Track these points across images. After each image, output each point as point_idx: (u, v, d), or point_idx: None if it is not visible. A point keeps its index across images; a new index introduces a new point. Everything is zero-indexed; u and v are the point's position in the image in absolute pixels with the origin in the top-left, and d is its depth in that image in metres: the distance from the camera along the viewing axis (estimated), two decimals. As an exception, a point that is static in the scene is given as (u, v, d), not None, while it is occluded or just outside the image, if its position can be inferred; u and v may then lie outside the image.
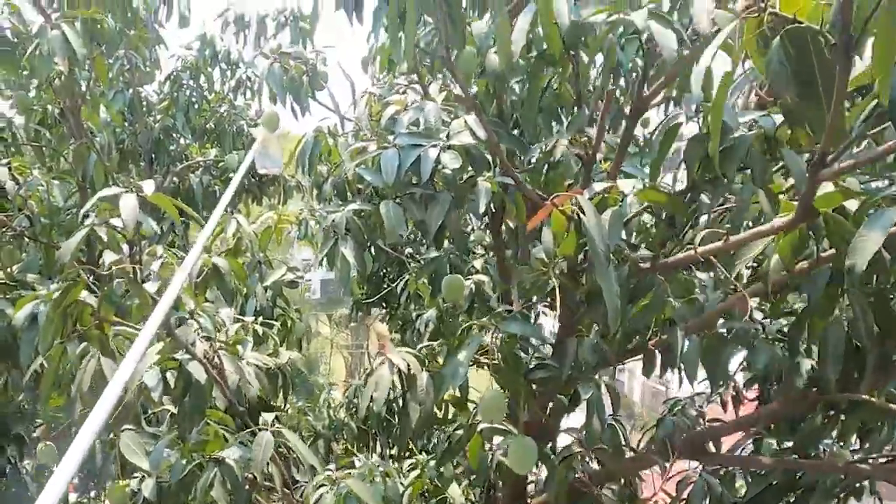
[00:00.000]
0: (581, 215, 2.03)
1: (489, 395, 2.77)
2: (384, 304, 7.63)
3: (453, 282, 3.80)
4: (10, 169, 4.20)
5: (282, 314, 5.37)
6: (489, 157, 2.88)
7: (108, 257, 2.46)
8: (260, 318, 4.78)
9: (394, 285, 6.67)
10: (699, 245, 2.15)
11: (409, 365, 3.22)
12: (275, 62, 4.65)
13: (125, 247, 2.93)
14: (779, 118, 2.29)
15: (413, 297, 6.68)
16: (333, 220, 3.32)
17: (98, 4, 4.60)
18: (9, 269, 4.10)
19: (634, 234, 3.21)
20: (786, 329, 2.88)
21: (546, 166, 2.96)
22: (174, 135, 6.69)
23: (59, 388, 2.91)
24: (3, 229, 4.17)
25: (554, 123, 3.28)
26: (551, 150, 2.72)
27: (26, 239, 4.51)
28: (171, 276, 3.10)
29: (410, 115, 3.20)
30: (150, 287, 2.77)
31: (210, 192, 7.02)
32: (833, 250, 2.11)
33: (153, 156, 6.65)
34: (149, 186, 2.40)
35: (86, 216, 2.47)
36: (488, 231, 4.63)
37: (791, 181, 2.51)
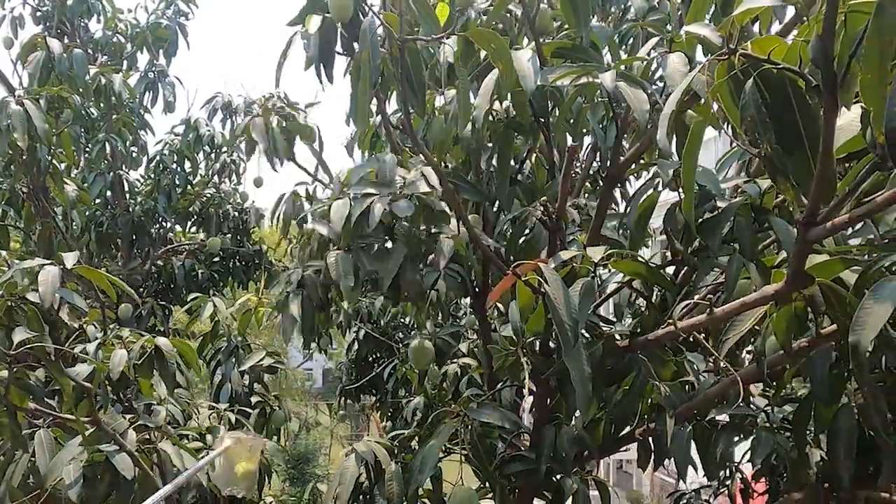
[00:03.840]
0: (545, 286, 1.80)
1: (459, 493, 2.45)
2: (374, 391, 7.36)
3: (418, 347, 3.54)
4: (-28, 249, 4.04)
5: (260, 401, 5.09)
6: (446, 210, 2.67)
7: (18, 336, 2.19)
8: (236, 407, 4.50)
9: (380, 369, 6.42)
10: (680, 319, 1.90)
11: (375, 456, 2.92)
12: (259, 115, 4.49)
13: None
14: (766, 184, 2.09)
15: (402, 382, 6.43)
16: (289, 277, 3.11)
17: (75, 88, 4.55)
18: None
19: (628, 314, 2.97)
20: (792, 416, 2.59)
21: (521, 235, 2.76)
22: (157, 218, 6.57)
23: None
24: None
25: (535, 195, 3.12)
26: (524, 217, 2.52)
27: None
28: (111, 357, 2.83)
29: (367, 165, 3.02)
30: (83, 369, 2.51)
31: (192, 276, 6.85)
32: (834, 326, 1.86)
33: (133, 238, 6.51)
34: (71, 258, 2.18)
35: None
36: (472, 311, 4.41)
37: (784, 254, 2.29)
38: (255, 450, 2.48)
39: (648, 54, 2.25)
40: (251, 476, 2.44)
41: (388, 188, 2.40)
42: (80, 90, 4.26)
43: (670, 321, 1.82)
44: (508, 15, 3.03)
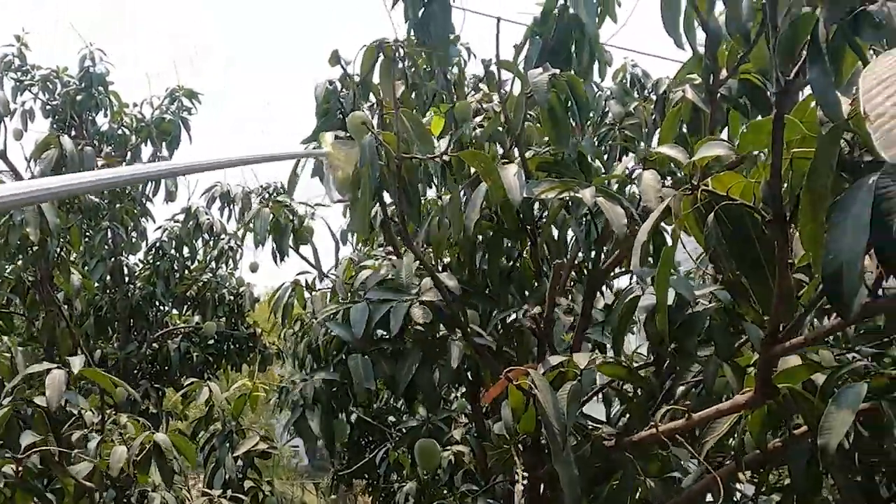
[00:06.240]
0: (535, 391, 1.93)
1: (423, 444, 2.52)
2: (366, 475, 7.29)
3: (426, 448, 3.60)
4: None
5: (253, 487, 5.08)
6: (459, 316, 2.83)
7: (26, 439, 2.30)
8: (229, 492, 4.50)
9: (372, 455, 6.39)
10: (663, 423, 2.03)
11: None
12: (265, 206, 4.68)
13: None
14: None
15: (394, 466, 6.39)
16: (302, 390, 3.21)
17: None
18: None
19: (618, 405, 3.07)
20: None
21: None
22: (154, 302, 6.69)
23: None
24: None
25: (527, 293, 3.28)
26: (512, 321, 2.67)
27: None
28: (111, 454, 2.91)
29: (383, 271, 3.19)
30: (83, 467, 2.59)
31: (187, 359, 6.91)
32: (805, 428, 1.99)
33: (131, 322, 6.61)
34: (78, 362, 2.30)
35: (9, 394, 2.35)
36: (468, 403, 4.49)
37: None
38: (353, 157, 2.52)
39: (625, 171, 2.46)
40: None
41: (404, 294, 2.56)
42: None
43: (653, 424, 1.95)
44: (500, 129, 3.27)
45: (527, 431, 2.21)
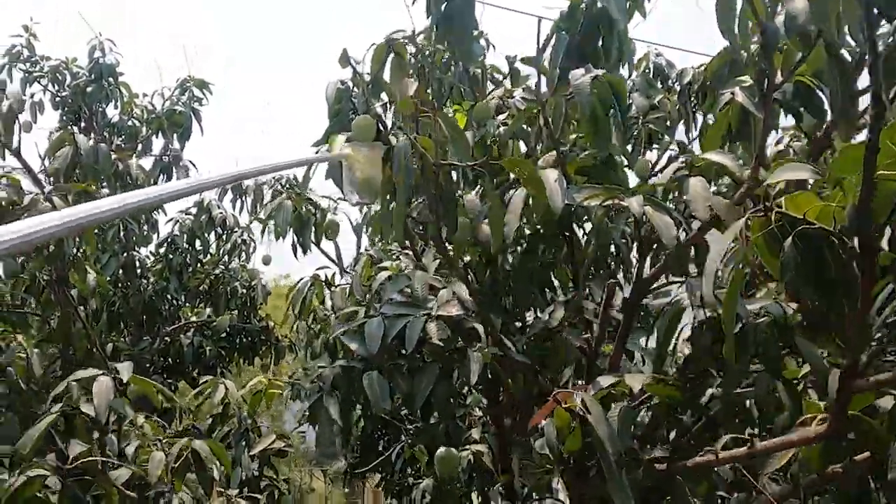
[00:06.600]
0: (587, 415, 1.84)
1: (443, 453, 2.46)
2: (380, 469, 7.25)
3: (446, 456, 3.53)
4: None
5: (269, 485, 5.04)
6: (479, 328, 2.74)
7: (74, 449, 2.24)
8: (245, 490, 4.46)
9: (388, 452, 6.34)
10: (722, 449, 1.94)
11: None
12: (288, 199, 4.56)
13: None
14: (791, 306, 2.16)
15: (408, 460, 6.34)
16: (321, 374, 3.14)
17: (97, 174, 4.66)
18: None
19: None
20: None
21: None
22: (167, 296, 6.61)
23: None
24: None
25: (547, 291, 3.19)
26: (549, 330, 2.58)
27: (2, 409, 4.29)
28: (149, 460, 2.85)
29: (398, 282, 3.09)
30: (123, 473, 2.53)
31: (200, 354, 6.85)
32: (867, 454, 1.90)
33: (143, 317, 6.53)
34: (126, 369, 2.23)
35: (55, 399, 2.29)
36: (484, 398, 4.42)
37: (806, 367, 2.35)
38: (374, 157, 2.38)
39: (672, 175, 2.35)
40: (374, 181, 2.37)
41: (421, 309, 2.46)
42: (104, 182, 4.36)
43: (710, 449, 1.86)
44: (526, 128, 3.16)
45: (571, 451, 2.13)
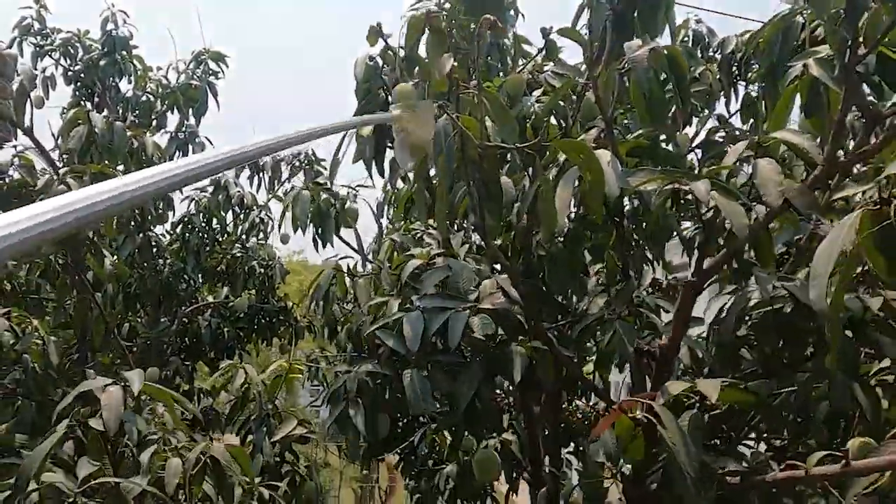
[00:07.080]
0: (657, 423, 1.67)
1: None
2: (399, 452, 7.16)
3: (487, 460, 3.39)
4: (9, 320, 3.95)
5: (290, 471, 4.93)
6: (523, 320, 2.57)
7: (84, 469, 2.07)
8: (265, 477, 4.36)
9: (409, 438, 6.23)
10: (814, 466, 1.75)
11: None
12: (305, 189, 4.41)
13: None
14: (874, 301, 1.98)
15: (429, 443, 6.23)
16: (345, 383, 2.98)
17: (113, 154, 4.50)
18: (-2, 428, 3.76)
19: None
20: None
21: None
22: (184, 277, 6.48)
23: None
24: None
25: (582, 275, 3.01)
26: (599, 323, 2.40)
27: (19, 396, 4.19)
28: (166, 468, 2.70)
29: (437, 274, 2.91)
30: (136, 488, 2.37)
31: (218, 335, 6.73)
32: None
33: (160, 298, 6.42)
34: (138, 378, 2.07)
35: (62, 415, 2.12)
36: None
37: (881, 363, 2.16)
38: (426, 118, 2.18)
39: (737, 160, 2.16)
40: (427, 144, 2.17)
41: (462, 302, 2.29)
42: (120, 161, 4.21)
43: (801, 464, 1.69)
44: (561, 103, 2.96)
45: (632, 460, 1.97)
